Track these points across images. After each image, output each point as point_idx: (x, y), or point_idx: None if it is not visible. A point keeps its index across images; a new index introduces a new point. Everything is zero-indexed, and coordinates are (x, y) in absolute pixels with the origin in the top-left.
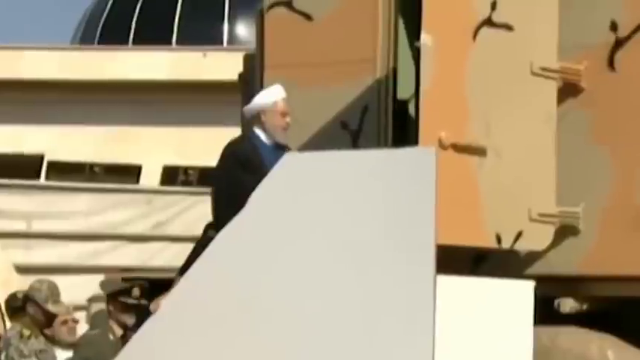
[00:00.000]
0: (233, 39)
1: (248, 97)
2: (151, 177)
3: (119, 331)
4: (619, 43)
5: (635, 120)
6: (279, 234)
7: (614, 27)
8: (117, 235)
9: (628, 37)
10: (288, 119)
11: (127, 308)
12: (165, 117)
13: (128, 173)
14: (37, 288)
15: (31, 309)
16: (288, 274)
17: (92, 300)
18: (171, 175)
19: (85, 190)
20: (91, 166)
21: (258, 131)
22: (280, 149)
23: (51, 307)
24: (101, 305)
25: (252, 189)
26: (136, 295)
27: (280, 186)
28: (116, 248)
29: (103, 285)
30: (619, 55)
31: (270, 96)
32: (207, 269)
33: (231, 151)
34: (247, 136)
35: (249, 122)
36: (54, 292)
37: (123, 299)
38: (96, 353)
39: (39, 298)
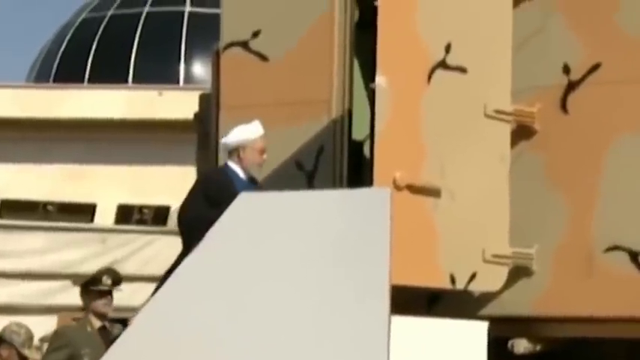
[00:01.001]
0: (189, 78)
1: (203, 137)
2: (105, 216)
3: (97, 323)
4: (571, 86)
5: (587, 162)
6: (233, 273)
7: (566, 70)
8: (71, 273)
9: (580, 80)
10: (265, 156)
11: (102, 294)
12: (121, 155)
13: (82, 212)
14: (16, 331)
15: (5, 351)
16: (243, 313)
17: (44, 340)
18: (126, 214)
19: (39, 228)
20: (45, 205)
21: (234, 165)
22: (254, 184)
23: (27, 352)
24: None
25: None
26: (107, 283)
27: (235, 225)
28: (70, 287)
29: (75, 281)
30: (572, 98)
31: (250, 132)
32: (161, 308)
33: (203, 184)
34: (223, 169)
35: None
36: (30, 337)
37: (95, 287)
38: (67, 342)
39: (17, 341)
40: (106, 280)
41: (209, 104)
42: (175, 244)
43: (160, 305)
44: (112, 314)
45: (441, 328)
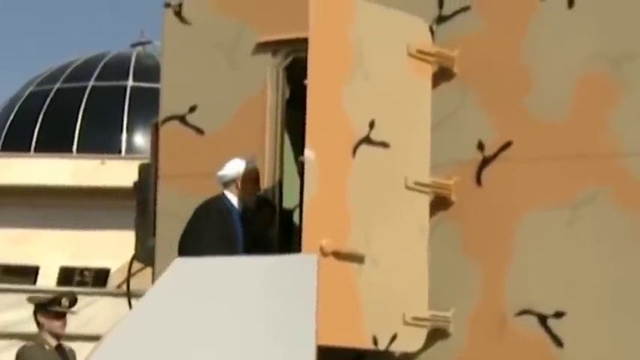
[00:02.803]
0: (131, 148)
1: (142, 204)
2: (48, 277)
3: (53, 342)
4: (485, 161)
5: (500, 232)
6: (168, 335)
7: (481, 146)
8: (13, 333)
9: (493, 156)
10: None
11: (58, 316)
12: (64, 220)
13: (26, 274)
14: None
15: None
16: None
17: None
18: (68, 276)
19: None
20: None
21: (231, 195)
22: (246, 213)
23: None
24: None
25: (211, 237)
26: (65, 305)
27: (171, 289)
28: (12, 347)
29: (31, 299)
30: (486, 172)
31: (247, 164)
32: None
33: (205, 207)
34: (221, 198)
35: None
36: None
37: (52, 308)
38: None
39: None
40: (65, 302)
41: (148, 173)
42: (114, 304)
43: None
44: None
45: None
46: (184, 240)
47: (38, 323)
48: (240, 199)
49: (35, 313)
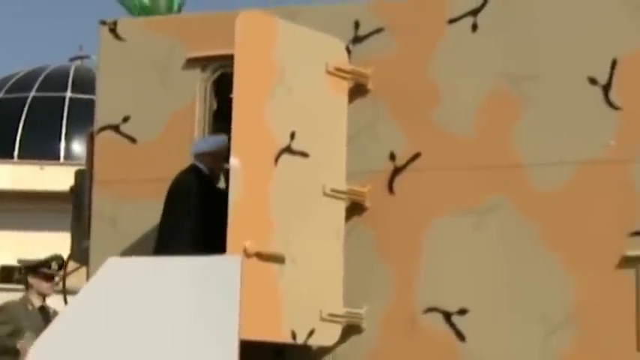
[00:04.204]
0: (69, 155)
1: (77, 208)
2: None
3: (38, 302)
4: (397, 171)
5: (410, 236)
6: (99, 331)
7: (392, 157)
8: None
9: (404, 166)
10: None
11: (47, 278)
12: (5, 222)
13: None
14: None
15: None
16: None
17: None
18: (9, 274)
19: None
20: None
21: (202, 166)
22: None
23: None
24: None
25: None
26: (54, 268)
27: (103, 287)
28: None
29: (20, 261)
30: (397, 181)
31: (223, 142)
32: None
33: (175, 185)
34: (192, 169)
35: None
36: None
37: (42, 270)
38: (10, 318)
39: None
40: (54, 266)
41: (83, 179)
42: (51, 300)
43: None
44: None
45: None
46: (170, 218)
47: (27, 284)
48: (210, 171)
49: (25, 276)
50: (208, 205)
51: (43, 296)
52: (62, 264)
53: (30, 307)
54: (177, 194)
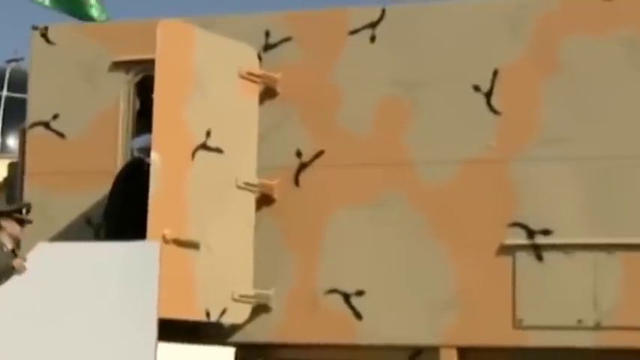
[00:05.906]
0: (5, 148)
1: (10, 199)
2: None
3: (10, 245)
4: (302, 166)
5: (314, 225)
6: (27, 309)
7: (299, 154)
8: None
9: (309, 162)
10: None
11: (21, 223)
12: None
13: None
14: None
15: None
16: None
17: None
18: None
19: None
20: None
21: (147, 158)
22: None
23: None
24: None
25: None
26: (26, 216)
27: (33, 269)
28: None
29: None
30: (303, 176)
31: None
32: None
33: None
34: (133, 160)
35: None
36: None
37: (16, 215)
38: None
39: None
40: (25, 213)
41: (16, 171)
42: None
43: None
44: None
45: (198, 353)
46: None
47: (1, 227)
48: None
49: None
50: (140, 192)
51: (16, 240)
52: (28, 211)
53: (5, 250)
54: (114, 180)
